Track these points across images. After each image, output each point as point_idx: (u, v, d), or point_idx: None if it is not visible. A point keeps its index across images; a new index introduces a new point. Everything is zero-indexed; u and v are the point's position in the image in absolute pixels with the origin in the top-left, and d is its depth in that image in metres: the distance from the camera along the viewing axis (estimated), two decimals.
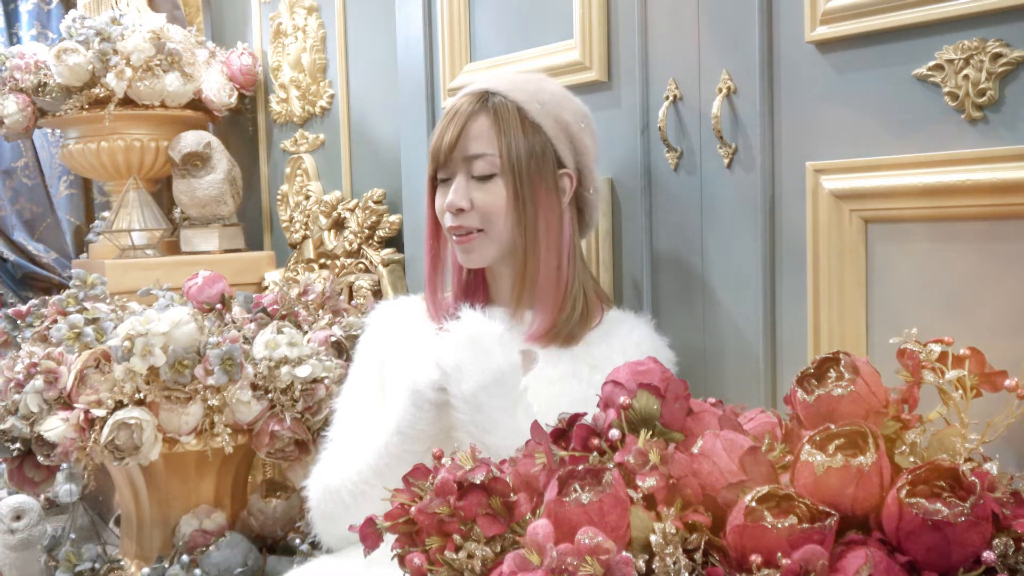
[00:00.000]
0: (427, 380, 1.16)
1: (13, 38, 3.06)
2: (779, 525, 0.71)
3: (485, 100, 1.31)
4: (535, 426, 0.89)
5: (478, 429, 1.14)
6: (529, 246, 1.31)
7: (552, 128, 1.31)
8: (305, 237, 2.44)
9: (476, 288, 1.41)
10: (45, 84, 2.46)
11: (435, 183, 1.35)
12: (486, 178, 1.30)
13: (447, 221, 1.32)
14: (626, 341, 1.32)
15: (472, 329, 1.16)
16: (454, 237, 1.33)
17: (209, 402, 1.69)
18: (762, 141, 1.26)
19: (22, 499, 2.19)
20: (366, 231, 2.20)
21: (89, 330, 1.80)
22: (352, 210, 2.26)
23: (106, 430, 1.65)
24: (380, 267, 2.15)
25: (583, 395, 1.23)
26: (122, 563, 1.92)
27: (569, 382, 1.28)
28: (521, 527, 0.81)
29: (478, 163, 1.29)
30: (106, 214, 2.75)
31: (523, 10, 1.65)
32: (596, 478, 0.77)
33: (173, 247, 2.68)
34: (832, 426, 0.79)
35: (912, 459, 0.81)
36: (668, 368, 1.25)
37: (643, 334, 1.34)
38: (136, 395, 1.68)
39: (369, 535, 0.89)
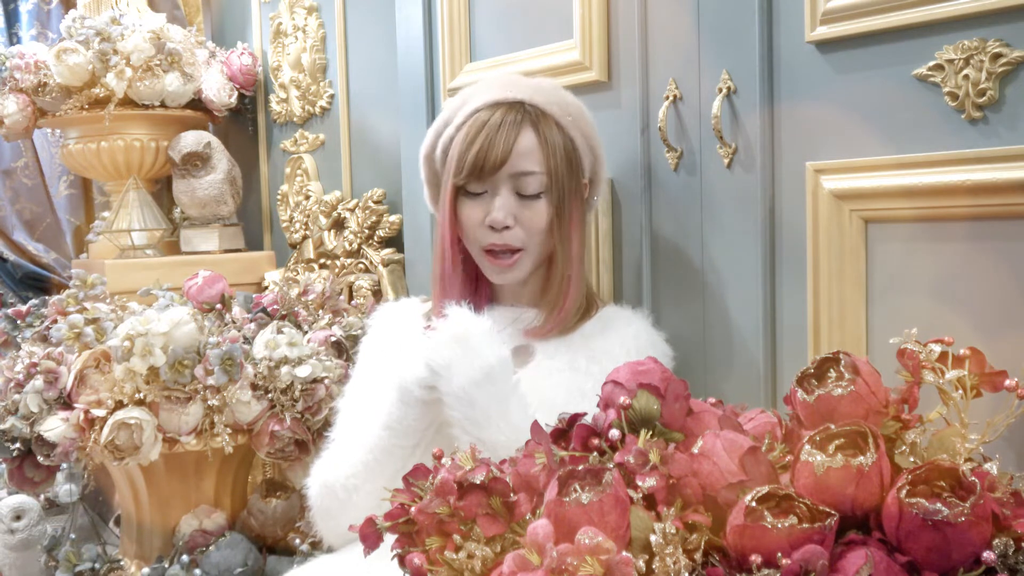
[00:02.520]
0: (414, 378, 1.17)
1: (13, 38, 3.06)
2: (779, 525, 0.71)
3: (524, 112, 1.30)
4: (535, 426, 0.89)
5: (471, 424, 1.14)
6: (564, 257, 1.32)
7: (581, 141, 1.34)
8: (305, 237, 2.44)
9: (480, 288, 1.41)
10: (45, 84, 2.46)
11: (455, 191, 1.32)
12: (531, 196, 1.30)
13: (486, 237, 1.31)
14: (624, 334, 1.33)
15: (460, 327, 1.17)
16: (490, 255, 1.32)
17: (209, 402, 1.69)
18: (762, 141, 1.26)
19: (22, 499, 2.19)
20: (366, 231, 2.20)
21: (89, 330, 1.80)
22: (352, 210, 2.26)
23: (106, 430, 1.65)
24: (380, 267, 2.15)
25: (580, 386, 1.25)
26: (122, 563, 1.92)
27: (566, 373, 1.29)
28: (521, 527, 0.81)
29: (527, 181, 1.29)
30: (106, 214, 2.75)
31: (523, 10, 1.65)
32: (596, 478, 0.77)
33: (173, 247, 2.68)
34: (832, 426, 0.79)
35: (912, 459, 0.81)
36: (666, 362, 1.27)
37: (640, 327, 1.35)
38: (136, 395, 1.68)
39: (369, 535, 0.89)
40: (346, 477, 1.24)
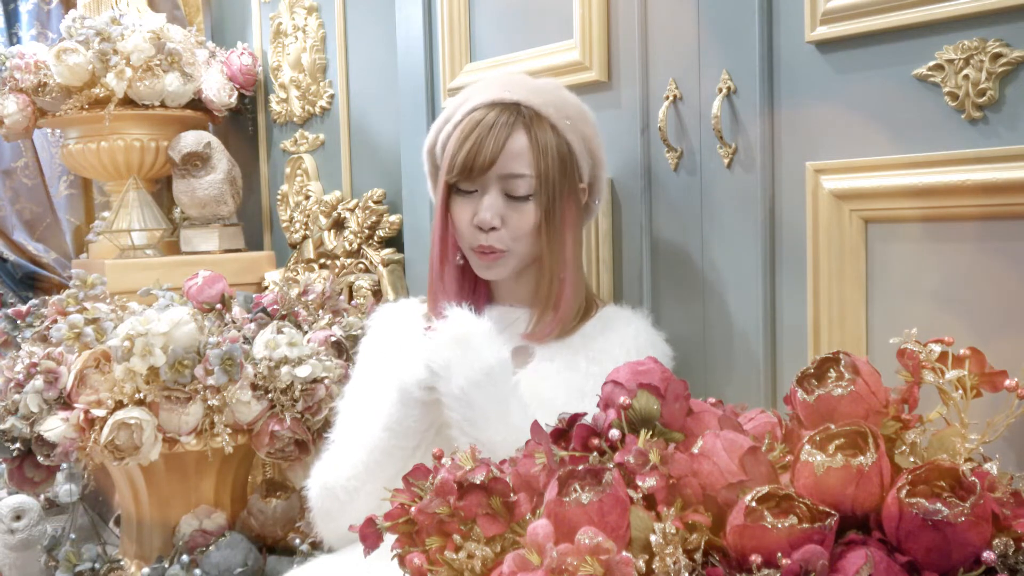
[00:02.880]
0: (414, 379, 1.17)
1: (13, 38, 3.06)
2: (779, 525, 0.71)
3: (518, 114, 1.29)
4: (535, 426, 0.89)
5: (471, 426, 1.14)
6: (556, 261, 1.31)
7: (579, 145, 1.32)
8: (305, 237, 2.44)
9: (477, 288, 1.41)
10: (45, 84, 2.46)
11: (449, 189, 1.33)
12: (520, 198, 1.29)
13: (474, 238, 1.31)
14: (624, 334, 1.33)
15: (460, 328, 1.17)
16: (477, 252, 1.32)
17: (209, 402, 1.69)
18: (762, 141, 1.26)
19: (22, 499, 2.19)
20: (366, 231, 2.20)
21: (89, 330, 1.80)
22: (352, 210, 2.26)
23: (106, 430, 1.65)
24: (380, 267, 2.15)
25: (580, 386, 1.25)
26: (122, 563, 1.92)
27: (566, 373, 1.29)
28: (521, 527, 0.81)
29: (516, 183, 1.28)
30: (106, 214, 2.75)
31: (523, 10, 1.65)
32: (596, 478, 0.77)
33: (173, 247, 2.68)
34: (832, 426, 0.79)
35: (912, 459, 0.81)
36: (666, 362, 1.27)
37: (640, 326, 1.35)
38: (136, 395, 1.68)
39: (369, 535, 0.89)
40: (346, 479, 1.24)
